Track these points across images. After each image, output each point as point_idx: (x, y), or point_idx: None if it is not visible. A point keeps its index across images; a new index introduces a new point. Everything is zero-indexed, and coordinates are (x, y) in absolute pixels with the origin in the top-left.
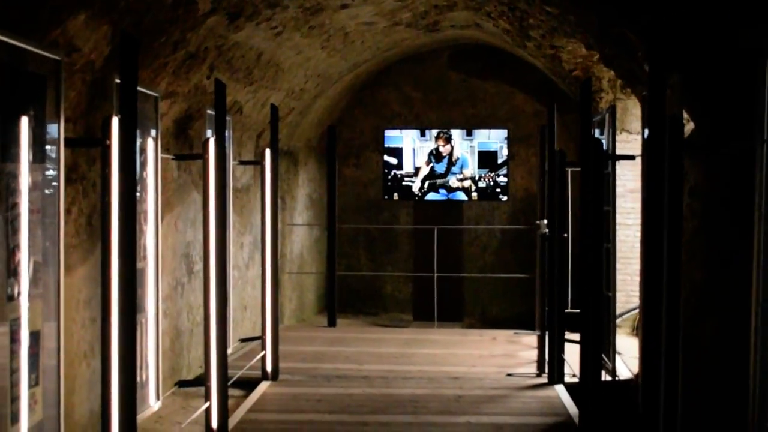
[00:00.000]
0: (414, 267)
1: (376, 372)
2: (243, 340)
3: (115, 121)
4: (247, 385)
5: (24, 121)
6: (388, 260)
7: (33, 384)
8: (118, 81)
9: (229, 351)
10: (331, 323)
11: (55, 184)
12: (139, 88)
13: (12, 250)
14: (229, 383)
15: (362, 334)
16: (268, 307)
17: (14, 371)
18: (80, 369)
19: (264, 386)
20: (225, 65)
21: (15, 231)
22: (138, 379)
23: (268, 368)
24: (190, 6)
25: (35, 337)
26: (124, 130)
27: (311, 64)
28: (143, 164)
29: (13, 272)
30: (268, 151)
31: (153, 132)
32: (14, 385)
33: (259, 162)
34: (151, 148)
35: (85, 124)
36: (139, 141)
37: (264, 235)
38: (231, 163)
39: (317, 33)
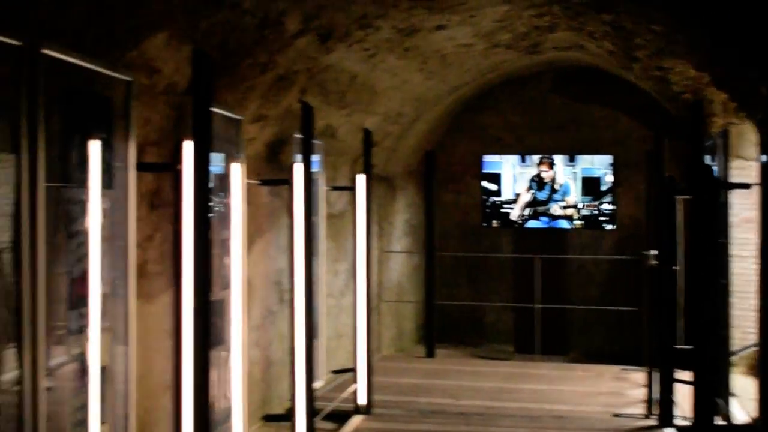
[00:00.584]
0: (515, 297)
1: (474, 408)
2: (336, 372)
3: (187, 145)
4: (340, 418)
5: (94, 145)
6: (489, 289)
7: (102, 421)
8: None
9: (322, 383)
10: (430, 354)
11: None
12: (222, 111)
13: (77, 280)
14: (320, 416)
15: (461, 366)
16: (361, 338)
17: (80, 408)
18: (163, 400)
19: (356, 420)
20: (317, 88)
21: (82, 260)
22: (222, 411)
23: (361, 401)
24: (277, 27)
25: (104, 373)
26: (197, 154)
27: (408, 88)
28: (228, 189)
29: (79, 305)
30: (360, 177)
31: (239, 157)
32: (80, 423)
33: (352, 187)
34: (236, 173)
35: (170, 148)
36: (222, 166)
37: (357, 262)
38: (323, 188)
39: (413, 55)
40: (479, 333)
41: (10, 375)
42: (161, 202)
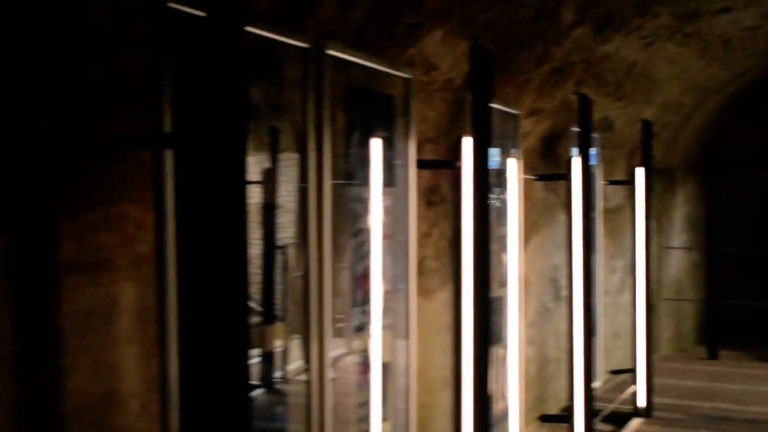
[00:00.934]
0: None
1: (763, 415)
2: (614, 372)
3: (466, 142)
4: (618, 420)
5: (375, 143)
6: None
7: (383, 418)
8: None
9: (599, 383)
10: (712, 356)
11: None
12: (498, 107)
13: (360, 277)
14: (599, 418)
15: (747, 369)
16: (640, 337)
17: (363, 405)
18: (440, 396)
19: (636, 423)
20: (592, 79)
21: (364, 258)
22: (498, 410)
23: (641, 403)
24: (553, 18)
25: (385, 369)
26: (476, 151)
27: (687, 75)
28: (504, 185)
29: (361, 302)
30: (639, 170)
31: (515, 152)
32: (363, 419)
33: (630, 182)
34: (512, 168)
35: (446, 144)
36: (499, 161)
37: (636, 259)
38: (600, 182)
39: (693, 41)
40: (766, 334)
41: (295, 365)
42: (438, 198)
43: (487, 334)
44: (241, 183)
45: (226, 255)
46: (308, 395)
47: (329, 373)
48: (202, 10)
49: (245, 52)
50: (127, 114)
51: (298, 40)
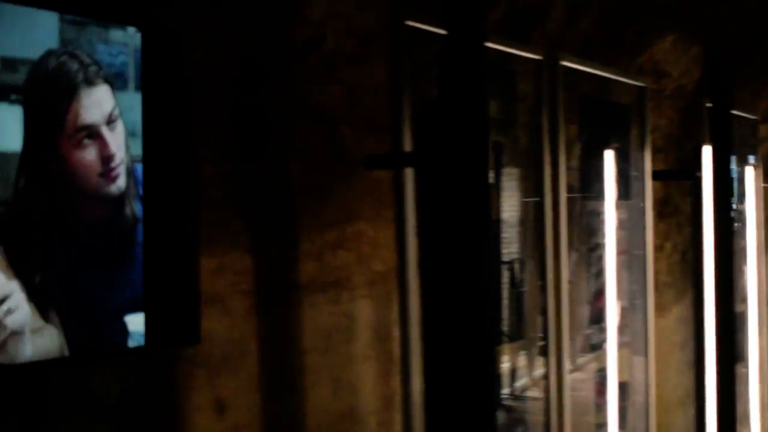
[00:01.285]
0: None
1: None
2: None
3: (705, 150)
4: None
5: (608, 154)
6: None
7: None
8: (709, 106)
9: None
10: None
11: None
12: (736, 112)
13: (595, 295)
14: None
15: None
16: None
17: (600, 427)
18: (676, 416)
19: None
20: None
21: (599, 274)
22: None
23: None
24: None
25: (623, 388)
26: (716, 160)
27: None
28: (741, 195)
29: (597, 319)
30: None
31: (751, 159)
32: None
33: None
34: (750, 177)
35: (676, 154)
36: (737, 169)
37: None
38: None
39: None
40: None
41: (522, 382)
42: (669, 210)
43: (732, 351)
44: (485, 200)
45: (471, 271)
46: (547, 412)
47: (567, 390)
48: (442, 28)
49: (486, 67)
50: (365, 133)
51: (530, 52)
